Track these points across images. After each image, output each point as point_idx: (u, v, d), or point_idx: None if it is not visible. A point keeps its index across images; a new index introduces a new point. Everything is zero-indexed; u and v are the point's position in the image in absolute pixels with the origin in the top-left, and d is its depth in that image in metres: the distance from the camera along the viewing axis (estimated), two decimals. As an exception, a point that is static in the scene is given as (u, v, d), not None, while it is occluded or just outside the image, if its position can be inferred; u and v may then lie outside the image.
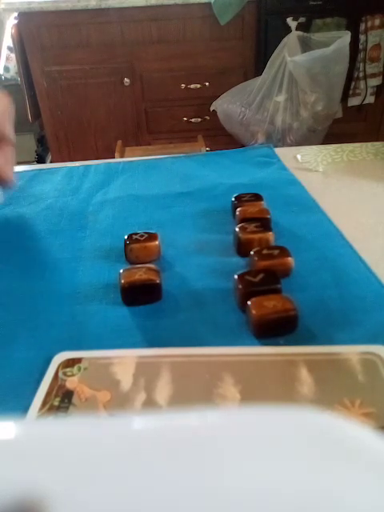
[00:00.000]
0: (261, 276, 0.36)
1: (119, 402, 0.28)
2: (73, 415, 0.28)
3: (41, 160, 2.23)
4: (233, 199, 0.49)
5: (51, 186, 0.59)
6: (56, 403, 0.28)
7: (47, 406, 0.28)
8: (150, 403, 0.28)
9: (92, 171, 0.62)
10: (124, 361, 0.31)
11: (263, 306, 0.33)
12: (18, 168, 0.65)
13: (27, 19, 1.82)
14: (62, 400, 0.29)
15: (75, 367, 0.31)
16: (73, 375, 0.30)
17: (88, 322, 0.36)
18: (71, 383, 0.30)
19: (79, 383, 0.30)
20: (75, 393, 0.29)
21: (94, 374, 0.30)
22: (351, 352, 0.31)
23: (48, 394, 0.29)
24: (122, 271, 0.37)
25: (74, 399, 0.29)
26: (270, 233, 0.42)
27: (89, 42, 1.88)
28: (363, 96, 1.99)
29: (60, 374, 0.30)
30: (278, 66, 1.77)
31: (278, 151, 0.65)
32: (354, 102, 2.00)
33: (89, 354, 0.32)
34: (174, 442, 0.14)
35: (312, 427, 0.14)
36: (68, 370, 0.31)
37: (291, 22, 1.76)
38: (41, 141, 2.28)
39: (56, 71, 1.92)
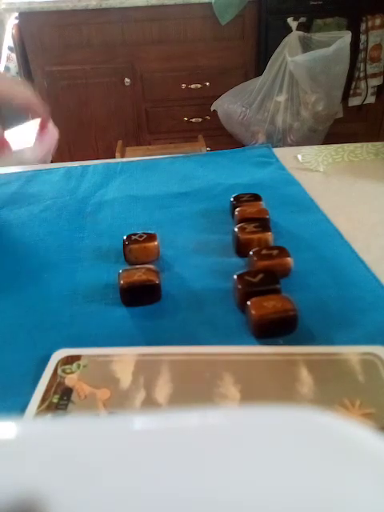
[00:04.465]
0: (260, 276, 0.36)
1: (119, 400, 0.28)
2: (72, 413, 0.28)
3: (41, 160, 2.22)
4: (231, 199, 0.49)
5: (49, 187, 0.59)
6: (55, 400, 0.28)
7: (46, 403, 0.28)
8: (149, 402, 0.28)
9: (90, 171, 0.62)
10: (124, 359, 0.31)
11: (263, 306, 0.33)
12: (18, 168, 0.65)
13: (28, 19, 1.82)
14: (61, 397, 0.29)
15: (74, 364, 0.31)
16: (72, 372, 0.30)
17: (87, 322, 0.36)
18: (70, 381, 0.30)
19: (78, 381, 0.30)
20: (74, 390, 0.29)
21: (93, 371, 0.30)
22: (351, 352, 0.31)
23: (47, 391, 0.29)
24: (121, 272, 0.37)
25: (73, 397, 0.29)
26: (269, 233, 0.42)
27: (89, 42, 1.88)
28: (364, 96, 1.98)
29: (59, 371, 0.30)
30: (279, 66, 1.77)
31: (279, 151, 0.65)
32: (354, 102, 2.00)
33: (88, 351, 0.32)
34: (174, 441, 0.14)
35: (312, 427, 0.14)
36: (67, 367, 0.31)
37: (292, 22, 1.76)
38: (41, 141, 2.28)
39: (57, 71, 1.92)
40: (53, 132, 0.56)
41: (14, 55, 1.94)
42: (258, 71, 1.89)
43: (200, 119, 2.04)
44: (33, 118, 0.54)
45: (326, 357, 0.31)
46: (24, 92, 0.52)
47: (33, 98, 0.52)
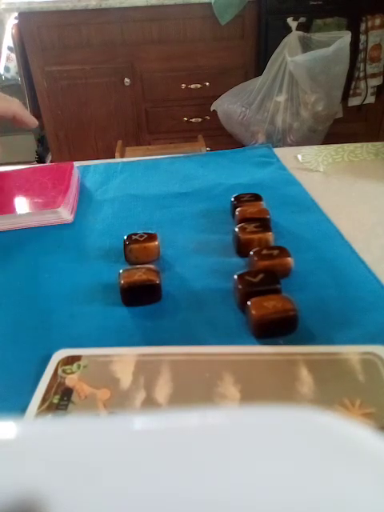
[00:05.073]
0: (260, 276, 0.36)
1: (119, 400, 0.28)
2: (72, 413, 0.28)
3: (41, 160, 2.23)
4: (232, 199, 0.49)
5: (51, 186, 0.59)
6: (55, 401, 0.29)
7: (46, 404, 0.28)
8: (149, 402, 0.28)
9: (91, 171, 0.62)
10: (124, 359, 0.31)
11: (263, 306, 0.33)
12: (18, 168, 0.65)
13: (27, 19, 1.82)
14: (62, 398, 0.29)
15: (75, 365, 0.31)
16: (72, 373, 0.30)
17: (87, 322, 0.36)
18: (71, 381, 0.30)
19: (79, 381, 0.30)
20: (75, 391, 0.29)
21: (93, 371, 0.30)
22: (351, 352, 0.31)
23: (47, 392, 0.29)
24: (121, 272, 0.37)
25: (74, 397, 0.29)
26: (270, 233, 0.42)
27: (89, 42, 1.88)
28: (364, 96, 1.98)
29: (59, 371, 0.30)
30: (279, 66, 1.77)
31: (279, 151, 0.65)
32: (354, 102, 2.00)
33: (88, 351, 0.32)
34: (175, 441, 0.14)
35: (312, 427, 0.14)
36: (67, 367, 0.31)
37: (291, 22, 1.76)
38: (41, 141, 2.29)
39: (56, 71, 1.92)
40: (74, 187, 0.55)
41: (13, 55, 1.94)
42: (258, 71, 1.89)
43: (200, 119, 2.04)
44: (20, 127, 0.53)
45: (326, 356, 0.31)
46: (11, 105, 0.51)
47: (18, 109, 0.51)
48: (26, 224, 0.49)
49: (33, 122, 0.53)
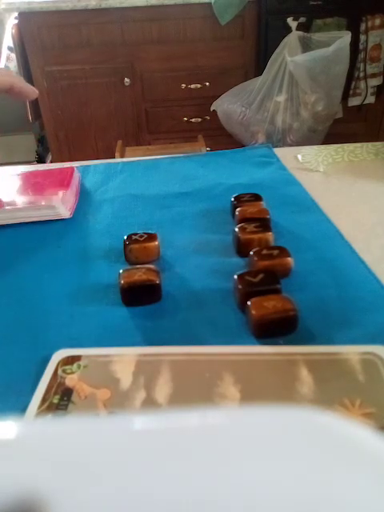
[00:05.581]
0: (260, 276, 0.36)
1: (119, 400, 0.28)
2: (72, 413, 0.28)
3: (41, 160, 2.23)
4: (232, 199, 0.49)
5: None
6: (55, 401, 0.28)
7: (46, 404, 0.28)
8: (149, 402, 0.28)
9: (91, 171, 0.62)
10: (124, 359, 0.31)
11: (263, 306, 0.33)
12: (18, 168, 0.65)
13: (27, 19, 1.82)
14: (62, 398, 0.29)
15: (75, 365, 0.31)
16: (72, 373, 0.30)
17: (87, 322, 0.36)
18: (71, 381, 0.30)
19: (79, 381, 0.30)
20: (75, 391, 0.29)
21: (93, 371, 0.30)
22: (351, 352, 0.31)
23: (47, 392, 0.29)
24: (121, 272, 0.37)
25: (74, 397, 0.29)
26: (270, 233, 0.42)
27: (89, 41, 1.88)
28: (363, 96, 1.98)
29: (59, 371, 0.30)
30: (279, 66, 1.77)
31: (279, 151, 0.65)
32: (354, 102, 2.00)
33: (88, 351, 0.32)
34: (175, 441, 0.14)
35: (312, 427, 0.14)
36: (67, 367, 0.31)
37: (291, 22, 1.76)
38: (41, 141, 2.28)
39: (56, 71, 1.92)
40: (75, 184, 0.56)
41: (13, 55, 1.94)
42: (258, 71, 1.89)
43: (200, 119, 2.04)
44: (19, 99, 0.50)
45: (326, 356, 0.31)
46: (9, 76, 0.48)
47: (16, 79, 0.48)
48: (23, 219, 0.49)
49: (33, 91, 0.50)
